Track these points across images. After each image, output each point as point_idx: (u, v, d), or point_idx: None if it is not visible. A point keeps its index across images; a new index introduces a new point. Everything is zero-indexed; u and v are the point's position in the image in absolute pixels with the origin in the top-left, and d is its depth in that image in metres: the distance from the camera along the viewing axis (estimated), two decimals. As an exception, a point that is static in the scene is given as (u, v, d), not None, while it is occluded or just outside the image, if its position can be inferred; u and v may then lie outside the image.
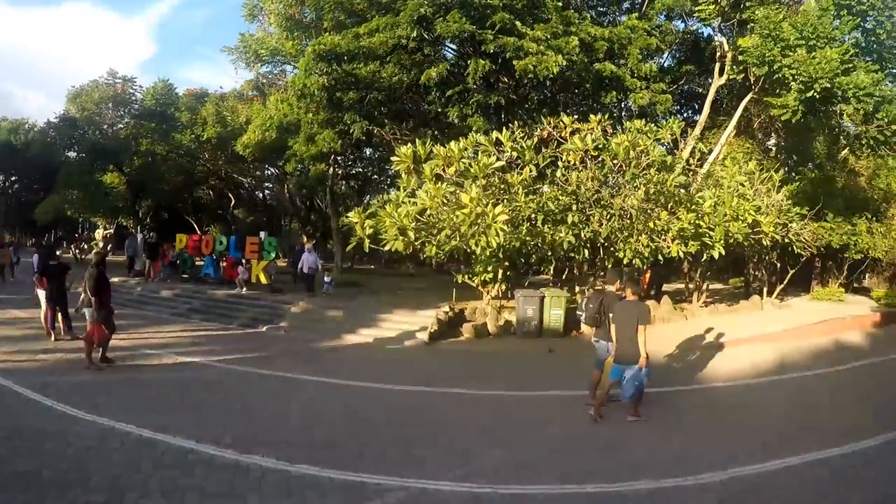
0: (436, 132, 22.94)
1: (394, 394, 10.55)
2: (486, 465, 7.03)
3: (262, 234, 24.81)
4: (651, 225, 15.33)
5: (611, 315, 8.64)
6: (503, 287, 17.21)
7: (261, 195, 50.19)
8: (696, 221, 15.92)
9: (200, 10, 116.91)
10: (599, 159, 15.99)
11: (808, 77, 17.29)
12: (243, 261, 23.14)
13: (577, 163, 15.87)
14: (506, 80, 22.66)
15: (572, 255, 16.25)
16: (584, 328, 16.55)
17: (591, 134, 15.86)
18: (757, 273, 24.13)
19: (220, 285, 23.29)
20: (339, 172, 34.93)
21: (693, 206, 16.14)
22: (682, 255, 15.60)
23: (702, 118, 22.58)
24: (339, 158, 31.66)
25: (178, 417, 8.36)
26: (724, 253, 16.49)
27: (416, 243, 15.21)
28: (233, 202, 48.14)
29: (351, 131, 22.83)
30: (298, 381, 11.23)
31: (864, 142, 20.89)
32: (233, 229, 44.68)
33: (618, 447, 7.77)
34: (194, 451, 7.03)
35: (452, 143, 15.43)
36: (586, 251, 16.31)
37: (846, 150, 25.67)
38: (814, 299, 22.98)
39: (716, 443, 8.06)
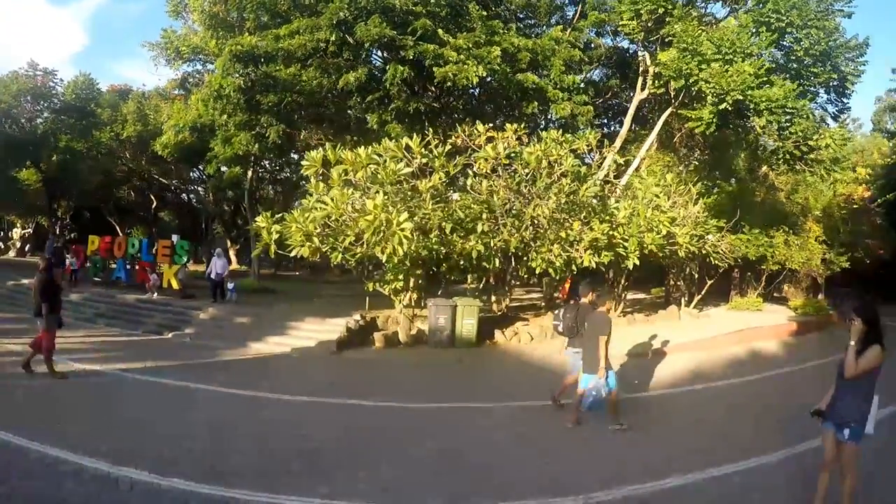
0: (356, 138, 22.42)
1: (284, 405, 10.10)
2: (348, 486, 6.56)
3: (175, 238, 23.88)
4: (563, 235, 15.11)
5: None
6: (415, 295, 16.80)
7: (186, 198, 48.61)
8: (610, 232, 15.83)
9: (134, 4, 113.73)
10: (512, 168, 15.73)
11: (721, 89, 17.44)
12: (155, 265, 22.28)
13: (489, 171, 15.59)
14: (433, 88, 22.35)
15: (483, 264, 15.93)
16: (498, 337, 16.46)
17: (506, 143, 15.62)
18: (677, 283, 24.35)
19: (132, 290, 22.35)
20: (266, 177, 34.02)
21: (607, 217, 16.04)
22: (595, 264, 15.42)
23: (622, 131, 22.69)
24: (264, 163, 30.87)
25: (60, 427, 8.01)
26: (637, 263, 16.44)
27: (323, 249, 14.72)
28: (154, 204, 46.39)
29: (267, 134, 22.16)
30: (191, 391, 10.76)
31: (780, 157, 21.24)
32: (153, 232, 43.26)
33: (493, 466, 7.39)
34: (67, 462, 6.73)
35: (360, 149, 15.01)
36: (497, 260, 16.00)
37: (765, 168, 26.24)
38: (732, 309, 23.35)
39: (607, 459, 7.74)
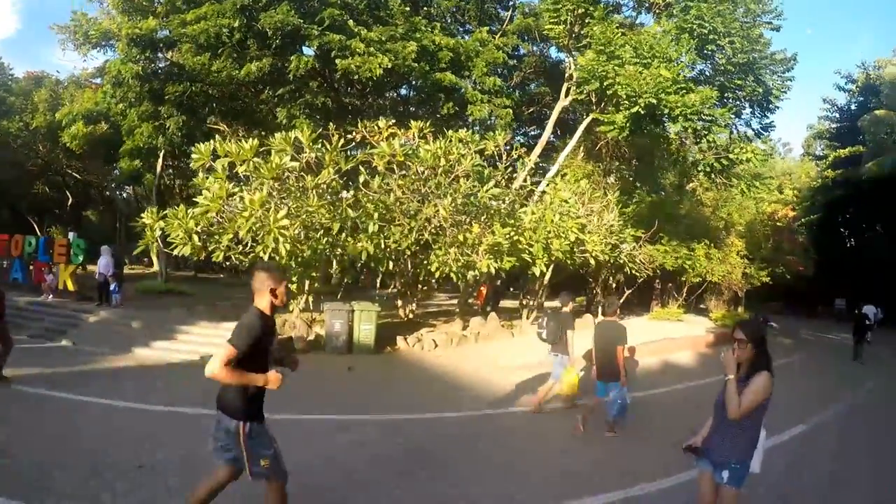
0: (264, 133, 21.36)
1: (139, 415, 8.99)
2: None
3: (72, 235, 22.33)
4: (461, 238, 14.23)
5: (569, 332, 9.52)
6: (310, 299, 15.72)
7: (109, 194, 46.42)
8: (515, 237, 15.08)
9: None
10: (409, 166, 14.80)
11: (635, 92, 16.91)
12: (52, 265, 20.74)
13: (384, 169, 14.66)
14: (349, 85, 21.46)
15: (372, 265, 14.99)
16: (400, 344, 15.48)
17: (405, 140, 14.76)
18: (598, 291, 23.89)
19: (32, 292, 20.73)
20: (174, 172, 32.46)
21: (511, 222, 15.28)
22: (495, 270, 14.61)
23: (543, 138, 22.07)
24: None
25: None
26: (545, 271, 15.76)
27: (209, 249, 13.60)
28: (70, 201, 44.02)
29: (167, 126, 20.87)
30: (50, 400, 9.57)
31: (700, 169, 20.91)
32: (67, 231, 41.06)
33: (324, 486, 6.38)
34: None
35: (245, 142, 13.90)
36: (390, 263, 14.99)
37: (694, 182, 26.04)
38: (653, 319, 22.93)
39: (491, 482, 6.73)
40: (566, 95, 21.82)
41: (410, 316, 18.10)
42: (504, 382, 11.98)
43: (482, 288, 23.44)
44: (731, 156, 20.75)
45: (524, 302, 21.16)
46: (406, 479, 6.65)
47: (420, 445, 7.98)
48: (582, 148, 23.66)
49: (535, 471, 7.19)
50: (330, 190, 14.32)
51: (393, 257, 14.85)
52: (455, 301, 23.49)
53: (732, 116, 20.38)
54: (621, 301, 22.62)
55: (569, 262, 16.43)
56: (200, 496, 4.48)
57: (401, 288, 17.82)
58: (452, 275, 14.89)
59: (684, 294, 25.65)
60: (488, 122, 21.60)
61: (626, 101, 17.29)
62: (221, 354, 4.05)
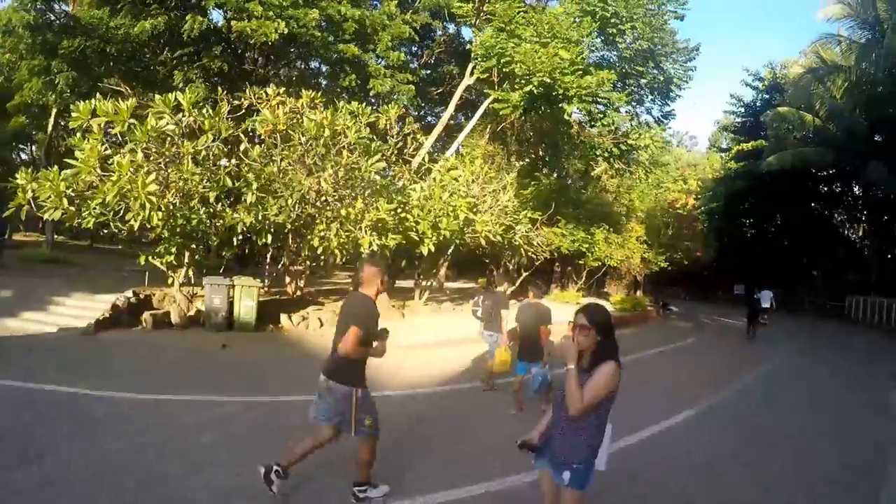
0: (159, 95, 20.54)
1: None
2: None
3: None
4: (343, 213, 13.98)
5: (503, 311, 9.83)
6: (191, 272, 15.15)
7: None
8: (402, 214, 14.98)
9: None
10: (291, 136, 14.37)
11: (529, 70, 16.93)
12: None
13: (268, 137, 14.26)
14: (260, 52, 20.80)
15: (253, 238, 14.58)
16: (284, 322, 15.17)
17: (291, 108, 14.38)
18: (496, 274, 24.04)
19: None
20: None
21: (398, 198, 15.15)
22: (378, 248, 14.40)
23: (445, 116, 21.97)
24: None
25: None
26: (433, 250, 15.69)
27: (83, 214, 12.93)
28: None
29: (57, 82, 19.83)
30: None
31: (599, 153, 21.24)
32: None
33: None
34: None
35: (122, 102, 13.26)
36: (269, 236, 14.55)
37: (600, 169, 26.46)
38: (552, 302, 23.21)
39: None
40: (471, 75, 21.73)
41: (298, 293, 17.75)
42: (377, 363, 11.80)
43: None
44: (630, 141, 21.16)
45: (420, 283, 21.00)
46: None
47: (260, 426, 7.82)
48: (488, 130, 23.70)
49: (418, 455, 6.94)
50: (212, 157, 13.87)
51: (272, 230, 14.42)
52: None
53: (630, 101, 20.72)
54: (518, 283, 22.97)
55: (458, 241, 16.42)
56: (300, 453, 5.25)
57: (287, 264, 17.48)
58: (337, 251, 14.60)
59: (584, 278, 26.13)
60: (393, 97, 21.29)
61: (522, 80, 17.31)
62: (353, 336, 4.97)
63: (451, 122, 24.72)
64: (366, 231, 14.09)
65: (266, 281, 17.70)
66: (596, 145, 21.19)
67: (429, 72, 26.17)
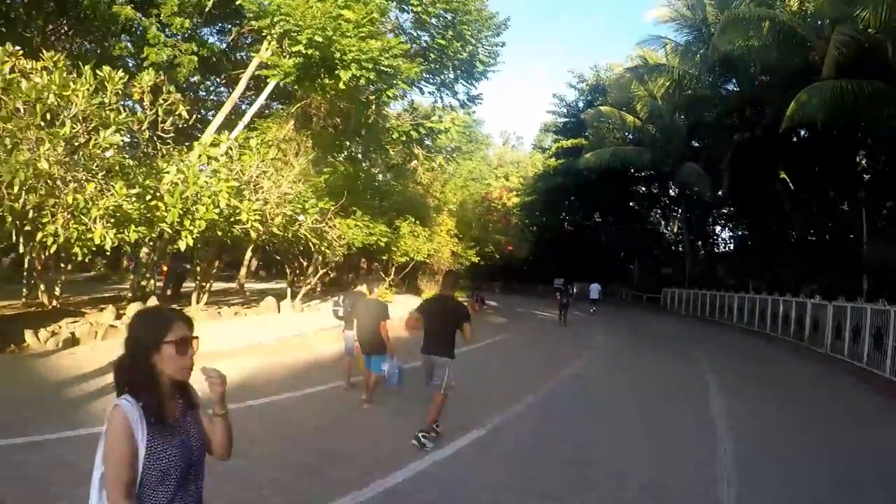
0: None
1: None
2: None
3: None
4: (70, 199, 11.54)
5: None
6: None
7: None
8: (152, 201, 12.85)
9: None
10: (5, 102, 11.72)
11: (297, 26, 15.17)
12: None
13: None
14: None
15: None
16: (29, 339, 12.32)
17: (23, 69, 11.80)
18: (294, 272, 22.12)
19: None
20: None
21: (147, 182, 12.95)
22: (116, 242, 12.12)
23: (235, 93, 19.61)
24: None
25: None
26: (191, 244, 13.60)
27: None
28: None
29: None
30: None
31: (396, 136, 20.01)
32: None
33: None
34: None
35: None
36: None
37: (415, 162, 25.27)
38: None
39: None
40: (267, 49, 19.70)
41: (55, 304, 15.01)
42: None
43: (164, 266, 20.83)
44: (429, 124, 20.07)
45: (202, 284, 18.64)
46: None
47: None
48: (293, 115, 21.70)
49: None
50: None
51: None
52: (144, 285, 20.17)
53: (427, 77, 19.51)
54: (314, 281, 21.37)
55: (220, 233, 14.44)
56: (434, 416, 7.30)
57: (37, 266, 14.86)
58: (77, 250, 12.15)
59: (392, 274, 24.84)
60: (171, 68, 18.86)
61: (290, 40, 15.55)
62: (469, 325, 7.48)
63: (245, 103, 22.63)
64: (98, 222, 11.80)
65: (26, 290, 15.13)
66: (392, 128, 19.90)
67: (241, 55, 23.68)
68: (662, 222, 57.10)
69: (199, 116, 21.74)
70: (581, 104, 52.26)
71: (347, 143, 23.56)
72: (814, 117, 23.29)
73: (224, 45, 23.07)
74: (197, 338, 2.27)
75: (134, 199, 12.42)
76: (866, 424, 10.22)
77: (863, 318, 15.74)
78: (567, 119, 54.48)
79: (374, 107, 18.94)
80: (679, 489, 6.25)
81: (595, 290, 31.59)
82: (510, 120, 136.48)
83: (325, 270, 21.17)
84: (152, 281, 19.35)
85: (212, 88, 25.38)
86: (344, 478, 5.87)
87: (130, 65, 20.34)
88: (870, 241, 25.28)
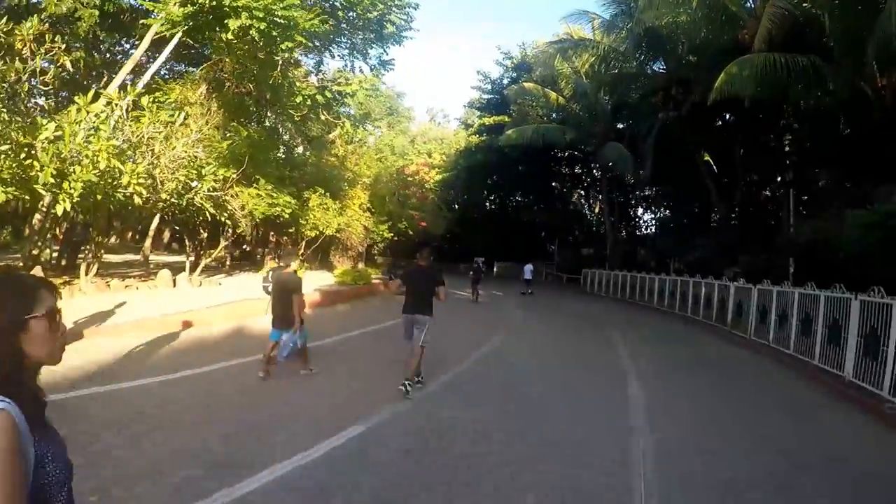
0: None
1: None
2: None
3: None
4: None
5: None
6: None
7: None
8: (27, 161, 11.85)
9: None
10: None
11: None
12: None
13: None
14: None
15: None
16: None
17: None
18: (199, 243, 21.11)
19: None
20: None
21: (20, 138, 11.88)
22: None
23: (136, 52, 18.41)
24: None
25: None
26: (68, 208, 12.60)
27: None
28: None
29: None
30: None
31: (299, 100, 19.23)
32: None
33: None
34: None
35: None
36: None
37: (335, 133, 24.47)
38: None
39: None
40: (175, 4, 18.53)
41: None
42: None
43: (60, 235, 19.61)
44: (336, 87, 19.37)
45: (95, 254, 17.43)
46: None
47: None
48: (205, 79, 20.47)
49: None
50: None
51: None
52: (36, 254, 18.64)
53: (327, 31, 18.64)
54: (214, 256, 20.45)
55: (100, 197, 13.39)
56: (416, 366, 8.48)
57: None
58: None
59: (302, 248, 23.93)
60: (76, 23, 17.57)
61: None
62: (444, 288, 8.92)
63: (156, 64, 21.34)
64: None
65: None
66: (297, 91, 19.06)
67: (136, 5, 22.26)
68: (585, 203, 57.47)
69: (108, 77, 20.33)
70: (506, 81, 51.81)
71: (254, 110, 22.51)
72: (743, 90, 21.79)
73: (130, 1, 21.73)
74: (61, 310, 1.61)
75: (3, 156, 11.46)
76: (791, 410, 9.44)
77: (789, 302, 14.61)
78: (491, 96, 54.08)
79: (279, 68, 18.07)
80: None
81: (528, 270, 31.82)
82: (438, 97, 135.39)
83: (226, 244, 20.21)
84: (47, 250, 18.27)
85: (119, 49, 23.91)
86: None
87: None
88: (796, 223, 25.31)
